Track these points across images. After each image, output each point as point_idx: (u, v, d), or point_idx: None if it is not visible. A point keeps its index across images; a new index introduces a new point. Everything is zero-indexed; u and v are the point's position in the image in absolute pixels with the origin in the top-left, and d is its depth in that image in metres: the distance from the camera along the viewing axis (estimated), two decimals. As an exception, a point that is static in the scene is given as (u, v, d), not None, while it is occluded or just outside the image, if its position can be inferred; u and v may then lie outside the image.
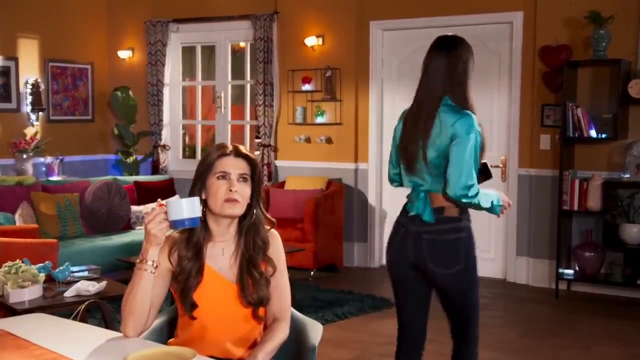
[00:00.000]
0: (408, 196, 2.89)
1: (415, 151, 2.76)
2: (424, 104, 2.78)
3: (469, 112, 2.77)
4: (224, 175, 2.17)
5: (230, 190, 2.15)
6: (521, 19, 6.07)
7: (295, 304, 2.85)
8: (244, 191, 2.18)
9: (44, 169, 7.26)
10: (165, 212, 2.04)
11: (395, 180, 3.01)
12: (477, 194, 2.71)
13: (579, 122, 5.59)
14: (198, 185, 2.19)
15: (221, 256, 2.22)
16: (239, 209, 2.18)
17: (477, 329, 2.95)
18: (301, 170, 7.03)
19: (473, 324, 2.94)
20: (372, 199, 6.87)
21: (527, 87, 6.08)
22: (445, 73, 2.77)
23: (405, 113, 2.91)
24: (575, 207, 5.68)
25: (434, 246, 2.78)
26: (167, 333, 2.33)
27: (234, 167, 2.18)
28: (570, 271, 5.81)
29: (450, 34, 2.89)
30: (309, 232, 6.30)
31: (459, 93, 2.77)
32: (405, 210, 2.87)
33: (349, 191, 6.84)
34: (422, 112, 2.77)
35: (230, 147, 2.21)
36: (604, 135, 5.62)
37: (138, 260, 2.11)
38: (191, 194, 2.18)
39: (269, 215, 2.28)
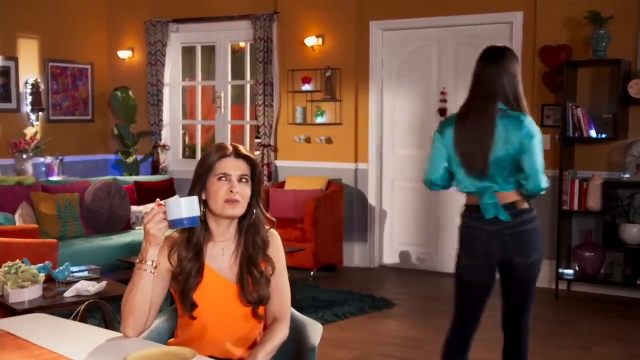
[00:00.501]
0: (472, 200, 3.02)
1: (484, 156, 2.90)
2: (480, 111, 2.93)
3: (525, 113, 2.96)
4: (225, 177, 2.17)
5: (231, 192, 2.15)
6: (521, 19, 6.07)
7: (295, 304, 2.85)
8: (244, 192, 2.18)
9: (43, 169, 7.25)
10: (164, 212, 2.04)
11: (438, 185, 3.11)
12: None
13: (579, 122, 5.59)
14: (198, 186, 2.19)
15: (221, 256, 2.22)
16: (240, 210, 2.18)
17: (530, 321, 3.13)
18: (301, 170, 7.03)
19: (528, 315, 3.11)
20: (372, 199, 6.87)
21: (527, 87, 6.01)
22: (497, 81, 2.94)
23: (451, 121, 3.05)
24: (575, 207, 5.68)
25: (517, 239, 2.95)
26: (167, 333, 2.33)
27: (235, 168, 2.18)
28: (570, 271, 5.81)
29: (498, 45, 3.09)
30: (309, 232, 6.30)
31: (512, 98, 2.95)
32: (476, 213, 2.98)
33: (349, 191, 6.84)
34: (481, 119, 2.92)
35: (230, 148, 2.21)
36: (603, 135, 5.62)
37: (137, 260, 2.11)
38: (191, 195, 2.18)
39: (268, 215, 2.28)
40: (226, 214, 2.17)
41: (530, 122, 2.92)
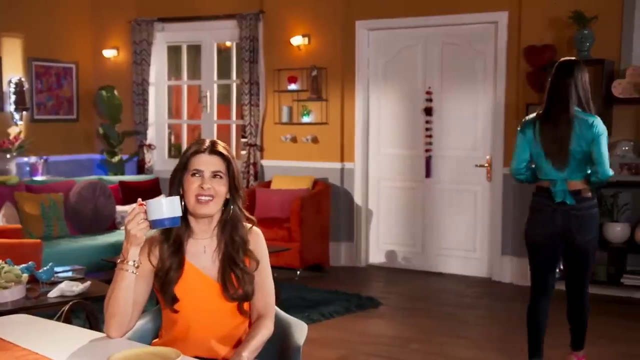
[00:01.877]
0: (545, 183, 3.71)
1: (566, 149, 3.58)
2: (561, 113, 3.59)
3: (594, 115, 3.64)
4: (198, 173, 2.16)
5: (202, 188, 2.13)
6: (506, 19, 6.10)
7: (282, 303, 2.85)
8: (217, 188, 2.16)
9: (27, 168, 7.20)
10: (145, 212, 2.03)
11: (522, 174, 3.81)
12: None
13: (564, 122, 5.62)
14: (176, 183, 2.18)
15: (203, 254, 2.21)
16: (212, 209, 2.17)
17: (587, 286, 3.91)
18: (287, 169, 7.03)
19: (586, 282, 3.86)
20: (358, 199, 6.88)
21: (511, 86, 6.11)
22: (572, 90, 3.59)
23: (532, 122, 3.70)
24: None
25: (579, 220, 3.64)
26: (151, 333, 2.31)
27: (207, 164, 2.16)
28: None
29: (571, 58, 3.76)
30: (295, 231, 6.30)
31: (585, 102, 3.62)
32: (547, 194, 3.68)
33: (335, 191, 6.84)
34: (562, 119, 3.58)
35: (206, 144, 2.19)
36: (588, 135, 5.65)
37: (119, 261, 2.10)
38: (170, 191, 2.18)
39: (247, 213, 2.26)
40: (197, 212, 2.16)
41: (599, 122, 3.59)
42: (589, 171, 3.65)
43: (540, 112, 3.68)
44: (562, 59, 3.77)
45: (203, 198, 2.14)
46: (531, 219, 3.79)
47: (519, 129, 3.78)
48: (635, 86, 5.44)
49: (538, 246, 3.77)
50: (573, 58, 3.75)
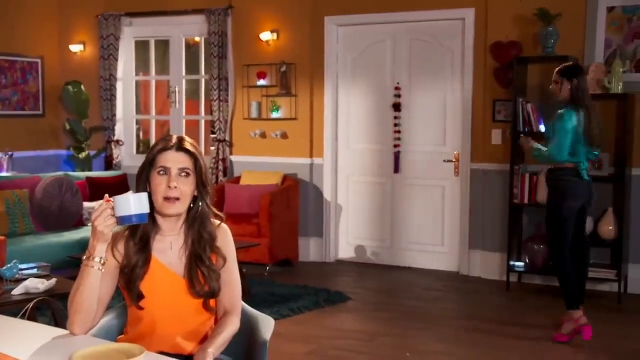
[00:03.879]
0: (571, 165, 4.45)
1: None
2: (590, 107, 4.45)
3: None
4: (164, 170, 2.15)
5: (169, 187, 2.13)
6: (472, 16, 6.17)
7: (251, 299, 2.87)
8: (184, 187, 2.15)
9: (-8, 164, 7.09)
10: (113, 208, 2.01)
11: (569, 154, 4.42)
12: None
13: (529, 117, 5.71)
14: (142, 180, 2.17)
15: (169, 250, 2.21)
16: (179, 208, 2.16)
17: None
18: (256, 165, 7.02)
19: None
20: (327, 194, 6.90)
21: (478, 82, 6.18)
22: (587, 88, 4.54)
23: (575, 113, 4.38)
24: (526, 201, 5.81)
25: (592, 191, 4.58)
26: (116, 330, 2.30)
27: (174, 161, 2.15)
28: (521, 263, 5.92)
29: (571, 63, 4.81)
30: (265, 227, 6.30)
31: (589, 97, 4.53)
32: (576, 172, 4.46)
33: (304, 186, 6.86)
34: (591, 112, 4.45)
35: (173, 141, 2.18)
36: (552, 130, 5.75)
37: (85, 257, 2.08)
38: (137, 188, 2.16)
39: (215, 210, 2.26)
40: (164, 212, 2.15)
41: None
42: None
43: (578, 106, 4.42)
44: (576, 63, 4.88)
45: (170, 199, 2.13)
46: (568, 197, 4.48)
47: (560, 120, 4.41)
48: (598, 82, 5.53)
49: (568, 217, 4.49)
50: (574, 64, 4.78)
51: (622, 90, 5.48)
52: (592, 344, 4.44)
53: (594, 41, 5.72)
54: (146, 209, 2.03)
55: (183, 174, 2.16)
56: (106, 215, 2.02)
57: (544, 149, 4.58)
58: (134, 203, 2.00)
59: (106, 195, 2.08)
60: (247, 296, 2.33)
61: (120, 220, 2.01)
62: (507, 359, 4.23)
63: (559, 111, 4.47)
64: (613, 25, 5.70)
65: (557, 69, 4.56)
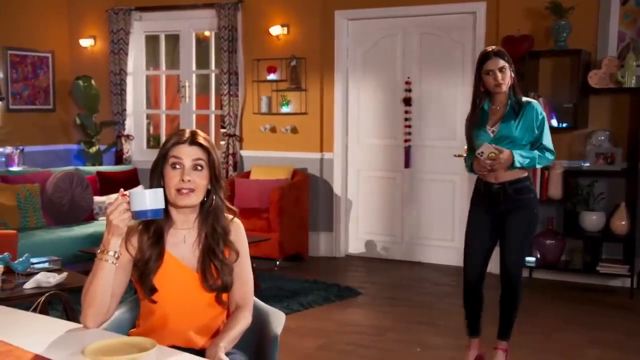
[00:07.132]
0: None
1: None
2: None
3: None
4: (178, 164, 2.14)
5: (182, 180, 2.13)
6: (484, 10, 6.13)
7: (261, 293, 2.87)
8: (198, 180, 2.15)
9: (3, 159, 7.11)
10: (128, 203, 2.01)
11: None
12: None
13: (541, 112, 5.66)
14: (156, 174, 2.17)
15: (183, 244, 2.20)
16: (193, 199, 2.16)
17: None
18: (266, 160, 7.02)
19: None
20: (337, 189, 6.89)
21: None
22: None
23: None
24: (537, 196, 5.76)
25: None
26: (128, 324, 2.30)
27: (187, 155, 2.15)
28: (532, 259, 5.89)
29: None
30: (275, 222, 6.29)
31: None
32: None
33: (315, 181, 6.85)
34: None
35: (186, 135, 2.18)
36: (564, 125, 5.71)
37: (99, 251, 2.08)
38: (151, 183, 2.16)
39: (228, 204, 2.25)
40: (178, 204, 2.15)
41: None
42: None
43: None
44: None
45: (184, 191, 2.13)
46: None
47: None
48: (611, 76, 5.49)
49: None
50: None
51: (636, 84, 5.43)
52: (605, 339, 4.41)
53: (607, 35, 5.67)
54: (161, 205, 2.02)
55: (197, 167, 2.15)
56: (122, 210, 2.01)
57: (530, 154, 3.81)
58: (149, 198, 2.00)
59: (122, 189, 2.08)
60: (257, 291, 2.32)
61: (136, 214, 2.01)
62: (517, 354, 4.21)
63: (533, 102, 3.78)
64: (626, 18, 5.65)
65: (500, 52, 3.82)
